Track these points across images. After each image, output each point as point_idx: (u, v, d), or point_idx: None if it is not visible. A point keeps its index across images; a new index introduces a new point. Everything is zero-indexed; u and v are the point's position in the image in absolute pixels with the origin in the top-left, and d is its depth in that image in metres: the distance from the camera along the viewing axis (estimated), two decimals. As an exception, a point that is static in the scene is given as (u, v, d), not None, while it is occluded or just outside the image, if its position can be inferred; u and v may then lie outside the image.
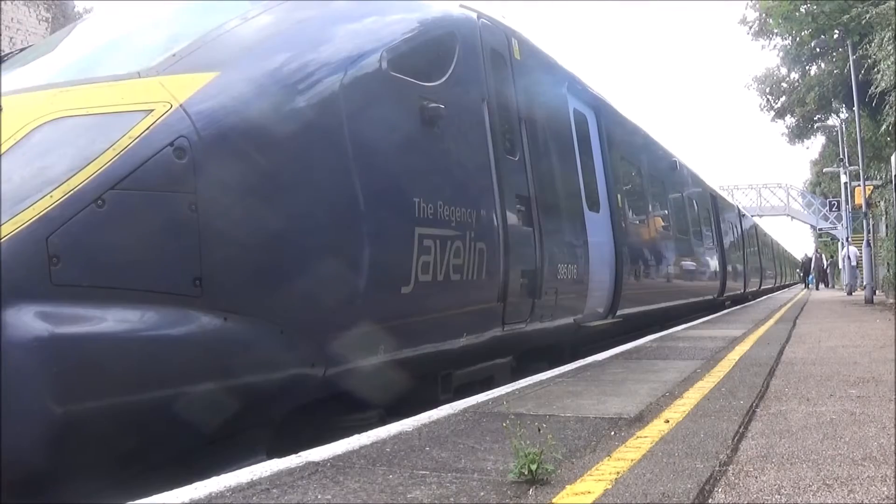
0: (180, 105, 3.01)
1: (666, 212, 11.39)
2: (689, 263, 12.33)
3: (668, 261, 10.82)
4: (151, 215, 2.84)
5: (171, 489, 2.35)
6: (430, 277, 4.11)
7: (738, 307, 16.83)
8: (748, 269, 20.75)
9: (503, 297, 4.98)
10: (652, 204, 10.53)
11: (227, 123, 3.15)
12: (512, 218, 5.19)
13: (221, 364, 2.99)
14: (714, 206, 16.29)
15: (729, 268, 16.56)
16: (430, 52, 4.65)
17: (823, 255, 40.49)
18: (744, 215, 22.98)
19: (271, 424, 3.44)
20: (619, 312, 7.86)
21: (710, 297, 14.67)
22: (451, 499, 2.21)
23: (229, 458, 3.05)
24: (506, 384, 4.64)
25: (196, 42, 3.48)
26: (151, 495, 2.31)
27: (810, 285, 38.18)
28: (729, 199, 23.03)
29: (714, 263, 14.89)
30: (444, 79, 4.64)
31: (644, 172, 10.44)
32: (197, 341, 2.87)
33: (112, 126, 2.89)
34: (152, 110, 2.95)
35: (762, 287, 25.65)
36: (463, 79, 4.90)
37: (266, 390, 3.20)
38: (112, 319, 2.65)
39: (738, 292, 18.70)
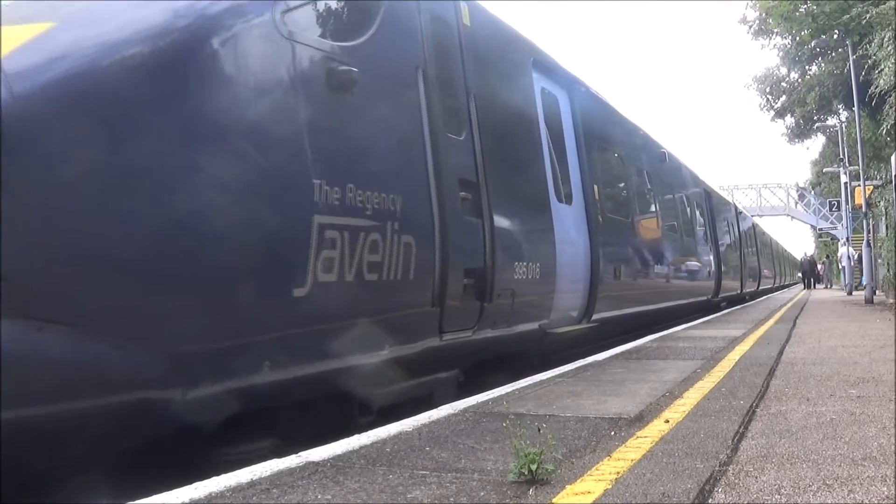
0: None
1: (653, 206, 10.66)
2: (679, 262, 11.73)
3: (655, 259, 10.13)
4: None
5: (171, 489, 2.35)
6: (334, 277, 3.40)
7: (737, 307, 16.78)
8: (745, 269, 20.15)
9: (439, 300, 4.26)
10: (636, 197, 9.76)
11: (57, 85, 2.56)
12: (452, 207, 4.44)
13: (33, 387, 2.39)
14: (708, 202, 15.64)
15: (725, 267, 16.01)
16: (342, 7, 3.95)
17: (815, 256, 41.16)
18: (741, 213, 22.39)
19: (115, 465, 2.79)
20: (595, 316, 7.09)
21: (705, 298, 14.10)
22: (451, 499, 2.21)
23: (229, 458, 3.05)
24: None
25: None
26: (151, 495, 2.30)
27: (816, 285, 38.43)
28: (727, 197, 22.50)
29: (708, 263, 14.30)
30: (361, 39, 3.91)
31: (627, 163, 9.64)
32: None
33: None
34: None
35: (760, 288, 24.99)
36: (388, 42, 4.16)
37: (98, 421, 2.59)
38: None
39: (735, 293, 18.12)
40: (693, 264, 12.85)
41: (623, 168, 9.49)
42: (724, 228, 17.25)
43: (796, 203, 44.42)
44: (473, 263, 4.69)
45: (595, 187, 7.42)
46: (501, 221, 5.07)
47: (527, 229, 5.69)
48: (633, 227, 9.17)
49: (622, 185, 9.36)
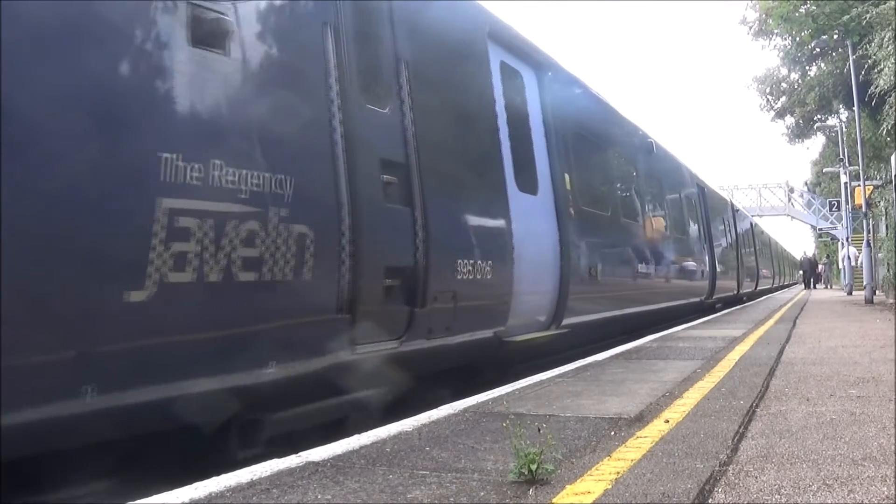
0: None
1: (637, 200, 9.93)
2: (668, 261, 10.99)
3: (640, 258, 9.33)
4: None
5: (171, 489, 2.35)
6: (189, 277, 2.74)
7: (737, 307, 16.75)
8: (743, 269, 19.42)
9: (350, 305, 3.56)
10: (617, 190, 8.99)
11: None
12: (370, 191, 3.78)
13: None
14: (702, 198, 14.86)
15: (720, 267, 15.30)
16: None
17: (815, 256, 41.28)
18: (738, 211, 21.70)
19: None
20: (567, 321, 6.31)
21: (698, 299, 13.37)
22: (451, 499, 2.21)
23: (229, 458, 3.05)
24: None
25: None
26: (151, 495, 2.30)
27: (816, 285, 38.47)
28: (724, 195, 21.57)
29: (702, 262, 13.59)
30: None
31: (607, 153, 8.87)
32: None
33: None
34: None
35: (759, 288, 24.23)
36: None
37: None
38: None
39: (731, 294, 17.34)
40: (684, 263, 12.19)
41: (602, 157, 8.63)
42: (719, 226, 16.63)
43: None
44: (399, 261, 4.02)
45: (567, 177, 6.69)
46: (439, 211, 4.37)
47: (475, 221, 4.96)
48: (614, 222, 8.42)
49: (601, 175, 8.47)
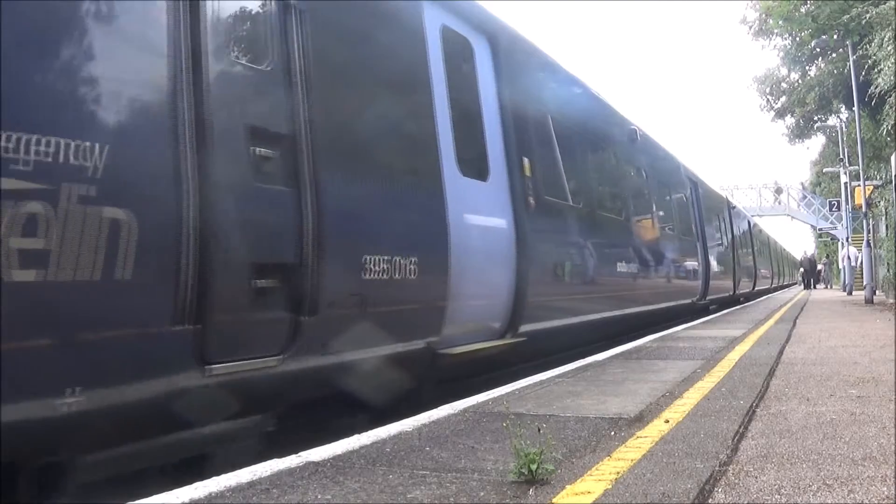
0: None
1: (617, 192, 9.10)
2: (653, 260, 10.16)
3: (620, 256, 8.48)
4: None
5: (172, 489, 2.35)
6: None
7: (736, 307, 16.72)
8: (739, 269, 18.60)
9: (197, 314, 2.81)
10: (592, 179, 8.04)
11: None
12: (231, 166, 3.04)
13: None
14: (695, 194, 13.96)
15: (714, 266, 14.55)
16: None
17: (815, 256, 41.35)
18: (734, 208, 20.83)
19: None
20: (524, 328, 5.48)
21: (689, 300, 12.53)
22: (451, 499, 2.21)
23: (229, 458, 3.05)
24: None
25: None
26: (151, 495, 2.31)
27: (817, 286, 38.53)
28: (721, 192, 20.96)
29: (694, 261, 12.81)
30: None
31: (581, 138, 7.84)
32: None
33: None
34: None
35: (756, 288, 23.38)
36: None
37: None
38: None
39: (727, 295, 16.53)
40: (673, 262, 11.38)
41: (573, 143, 7.57)
42: (714, 223, 15.83)
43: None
44: (276, 256, 3.24)
45: (527, 162, 5.81)
46: (339, 195, 3.58)
47: (394, 209, 4.12)
48: (588, 215, 7.53)
49: (571, 163, 7.40)
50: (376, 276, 3.80)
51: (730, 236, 18.02)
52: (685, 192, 13.31)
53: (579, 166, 7.72)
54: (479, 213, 5.08)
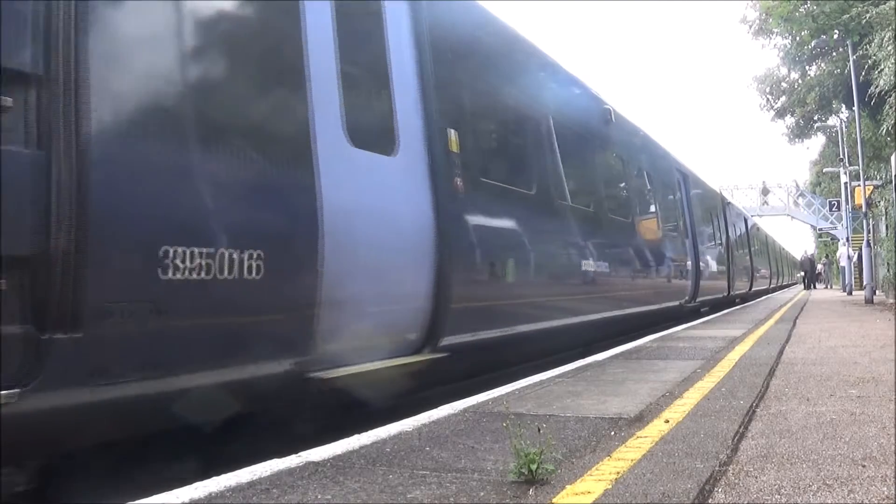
0: None
1: (585, 179, 7.98)
2: (630, 257, 9.15)
3: (587, 252, 7.27)
4: None
5: (172, 489, 2.35)
6: None
7: (736, 308, 16.68)
8: (735, 268, 17.59)
9: None
10: (550, 162, 6.65)
11: None
12: None
13: None
14: (684, 187, 12.82)
15: (707, 266, 13.72)
16: None
17: (815, 256, 41.56)
18: (729, 204, 19.91)
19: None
20: (447, 341, 4.49)
21: (676, 303, 11.44)
22: (451, 499, 2.21)
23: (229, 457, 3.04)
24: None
25: None
26: (151, 495, 2.31)
27: (816, 285, 38.64)
28: (715, 187, 19.34)
29: (682, 259, 11.82)
30: None
31: (533, 112, 6.59)
32: None
33: None
34: None
35: (753, 289, 22.46)
36: None
37: None
38: None
39: (721, 296, 15.54)
40: (655, 260, 10.33)
41: (523, 118, 6.44)
42: (706, 219, 14.92)
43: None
44: (9, 246, 2.32)
45: (453, 134, 4.81)
46: (119, 160, 2.63)
47: (215, 181, 3.03)
48: (543, 203, 6.39)
49: (520, 141, 6.37)
50: (185, 275, 2.77)
51: (724, 234, 17.01)
52: (672, 184, 12.23)
53: (532, 145, 6.46)
54: (379, 196, 4.11)
